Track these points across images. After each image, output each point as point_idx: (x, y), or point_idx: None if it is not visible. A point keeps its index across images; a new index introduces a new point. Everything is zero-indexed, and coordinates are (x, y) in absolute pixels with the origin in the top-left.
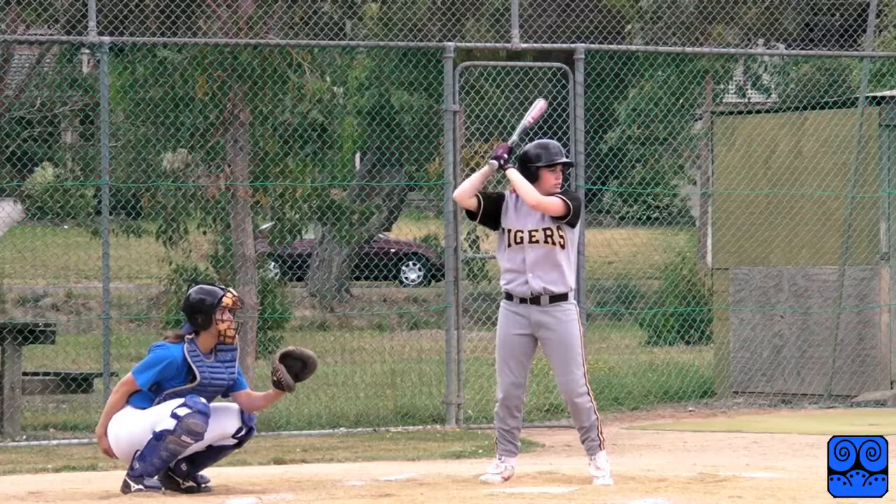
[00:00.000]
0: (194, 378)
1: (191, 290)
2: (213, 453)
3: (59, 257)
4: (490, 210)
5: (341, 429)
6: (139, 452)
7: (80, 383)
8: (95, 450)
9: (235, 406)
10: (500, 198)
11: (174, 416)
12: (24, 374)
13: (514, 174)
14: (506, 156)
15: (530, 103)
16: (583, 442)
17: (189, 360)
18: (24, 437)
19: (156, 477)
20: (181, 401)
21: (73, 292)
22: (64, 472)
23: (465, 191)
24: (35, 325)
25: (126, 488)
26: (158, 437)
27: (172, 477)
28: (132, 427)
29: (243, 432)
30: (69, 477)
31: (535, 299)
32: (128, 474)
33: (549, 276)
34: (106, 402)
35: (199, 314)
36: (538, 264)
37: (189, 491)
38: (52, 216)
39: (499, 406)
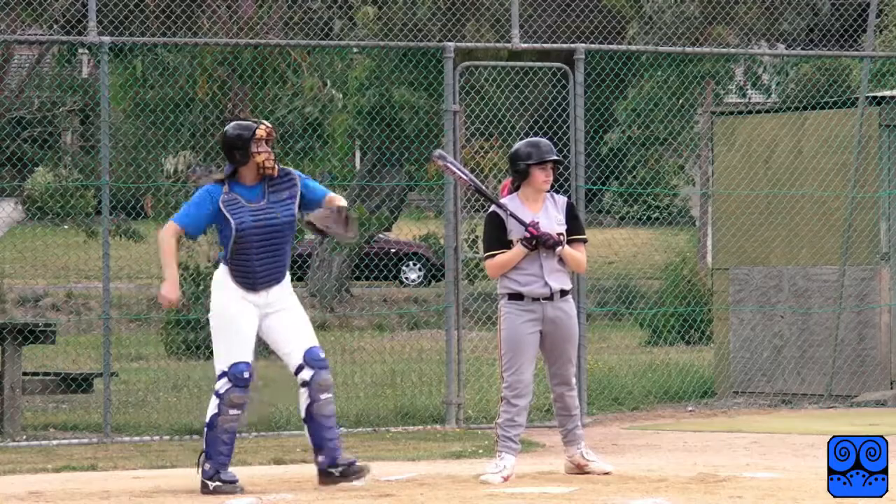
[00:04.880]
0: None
1: (226, 128)
2: (312, 423)
3: (59, 257)
4: (507, 245)
5: (341, 429)
6: (203, 454)
7: (80, 383)
8: (95, 450)
9: (297, 345)
10: (503, 227)
11: (216, 394)
12: (24, 374)
13: (567, 250)
14: (533, 232)
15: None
16: (570, 431)
17: (222, 207)
18: (24, 437)
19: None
20: (223, 370)
21: (73, 292)
22: (64, 472)
23: (497, 273)
24: (35, 325)
25: (205, 489)
26: (210, 425)
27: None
28: (219, 329)
29: (302, 373)
30: (69, 477)
31: (549, 297)
32: (203, 476)
33: (561, 275)
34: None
35: (236, 150)
36: (554, 267)
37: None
38: (52, 216)
39: (509, 405)
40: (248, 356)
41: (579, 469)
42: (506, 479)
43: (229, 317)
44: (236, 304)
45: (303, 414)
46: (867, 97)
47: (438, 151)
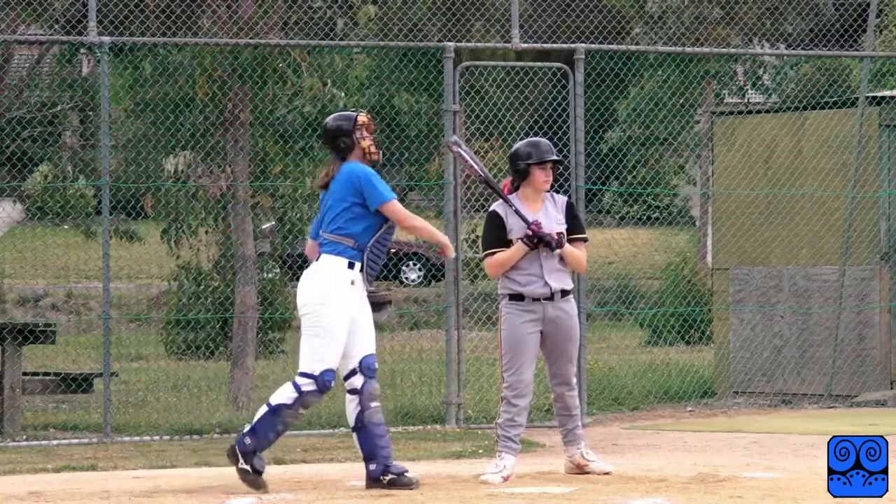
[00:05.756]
0: (384, 217)
1: (326, 121)
2: (364, 431)
3: (59, 257)
4: (506, 245)
5: (341, 429)
6: (250, 426)
7: (80, 383)
8: (95, 450)
9: (360, 350)
10: (503, 226)
11: (296, 387)
12: (24, 374)
13: (568, 249)
14: (535, 231)
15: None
16: (570, 431)
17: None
18: (24, 437)
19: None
20: (314, 372)
21: (73, 292)
22: (64, 472)
23: (497, 272)
24: (35, 325)
25: (234, 458)
26: (275, 410)
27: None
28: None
29: (353, 379)
30: (69, 477)
31: (549, 297)
32: (238, 445)
33: (561, 275)
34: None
35: (341, 137)
36: (554, 266)
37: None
38: (52, 216)
39: (509, 405)
40: (338, 362)
41: (579, 469)
42: (506, 479)
43: (340, 317)
44: (348, 305)
45: (352, 422)
46: (867, 97)
47: (454, 138)
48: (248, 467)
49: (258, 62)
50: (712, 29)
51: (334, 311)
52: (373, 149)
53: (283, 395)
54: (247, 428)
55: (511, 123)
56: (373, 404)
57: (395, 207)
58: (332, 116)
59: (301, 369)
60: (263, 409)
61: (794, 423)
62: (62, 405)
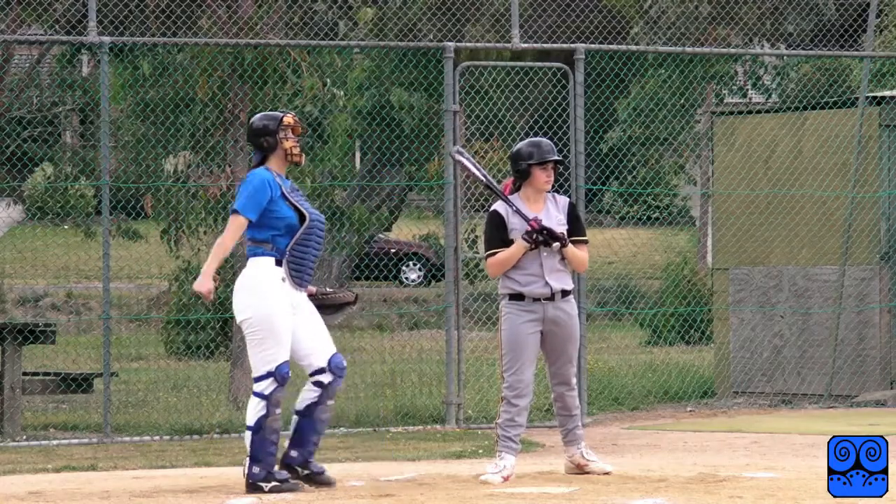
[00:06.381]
0: (302, 217)
1: (252, 120)
2: (307, 420)
3: (59, 257)
4: (508, 244)
5: (341, 429)
6: (249, 459)
7: (80, 383)
8: (95, 450)
9: (322, 348)
10: (503, 225)
11: (259, 395)
12: (24, 374)
13: (570, 248)
14: (537, 227)
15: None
16: (570, 431)
17: (287, 195)
18: (24, 437)
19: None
20: (269, 370)
21: (73, 292)
22: (64, 472)
23: (498, 271)
24: (35, 325)
25: (257, 489)
26: (257, 429)
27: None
28: (259, 329)
29: (321, 376)
30: (69, 477)
31: (550, 297)
32: (251, 480)
33: (562, 275)
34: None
35: (264, 137)
36: (555, 266)
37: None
38: (52, 216)
39: (509, 405)
40: (289, 355)
41: (579, 469)
42: (506, 479)
43: (278, 316)
44: (282, 303)
45: (300, 407)
46: (867, 97)
47: (457, 147)
48: (276, 482)
49: (258, 62)
50: (713, 29)
51: (271, 311)
52: (295, 151)
53: (254, 410)
54: (247, 462)
55: (511, 123)
56: (329, 402)
57: (231, 220)
58: (258, 115)
59: (256, 375)
60: (247, 434)
61: (794, 423)
62: (62, 405)
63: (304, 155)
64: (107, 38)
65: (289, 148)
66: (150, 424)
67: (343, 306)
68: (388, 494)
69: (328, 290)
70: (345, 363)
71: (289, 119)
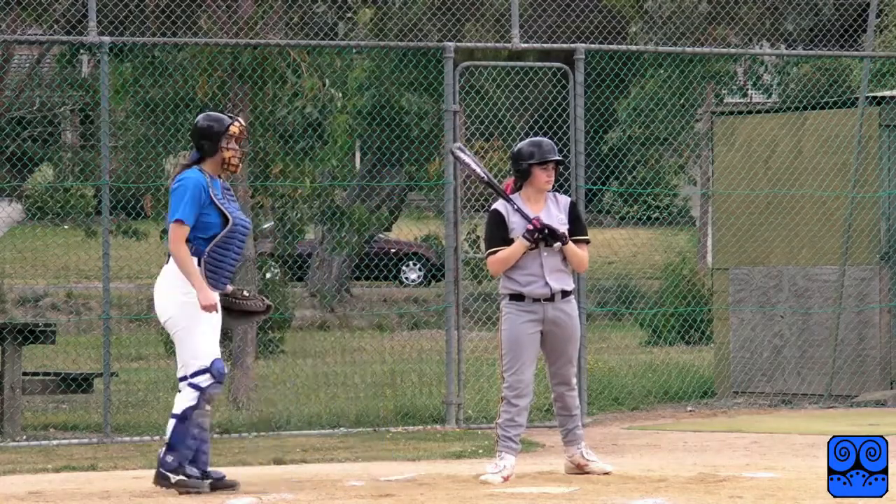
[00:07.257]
0: (226, 220)
1: (199, 117)
2: (185, 425)
3: (59, 257)
4: (508, 243)
5: (341, 429)
6: (165, 447)
7: (80, 383)
8: (95, 450)
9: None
10: (504, 224)
11: (195, 387)
12: (24, 374)
13: (571, 247)
14: (538, 226)
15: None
16: (570, 431)
17: (213, 199)
18: (24, 437)
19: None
20: (204, 366)
21: (73, 292)
22: (64, 472)
23: (499, 270)
24: (35, 325)
25: (165, 481)
26: (183, 418)
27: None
28: (189, 323)
29: (201, 375)
30: (69, 477)
31: (550, 297)
32: (162, 466)
33: (562, 276)
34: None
35: (205, 140)
36: (555, 267)
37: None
38: (52, 216)
39: (509, 406)
40: (218, 350)
41: (579, 469)
42: (506, 479)
43: (200, 311)
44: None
45: (178, 411)
46: (867, 97)
47: (457, 144)
48: (182, 476)
49: (258, 62)
50: (712, 29)
51: (193, 306)
52: (234, 161)
53: (184, 399)
54: (162, 451)
55: (511, 123)
56: (207, 407)
57: (173, 230)
58: (205, 115)
59: (190, 372)
60: (171, 422)
61: (794, 423)
62: (62, 405)
63: (241, 165)
64: (107, 38)
65: (227, 157)
66: (150, 424)
67: (251, 314)
68: (388, 494)
69: (245, 293)
70: (225, 369)
71: (235, 129)
